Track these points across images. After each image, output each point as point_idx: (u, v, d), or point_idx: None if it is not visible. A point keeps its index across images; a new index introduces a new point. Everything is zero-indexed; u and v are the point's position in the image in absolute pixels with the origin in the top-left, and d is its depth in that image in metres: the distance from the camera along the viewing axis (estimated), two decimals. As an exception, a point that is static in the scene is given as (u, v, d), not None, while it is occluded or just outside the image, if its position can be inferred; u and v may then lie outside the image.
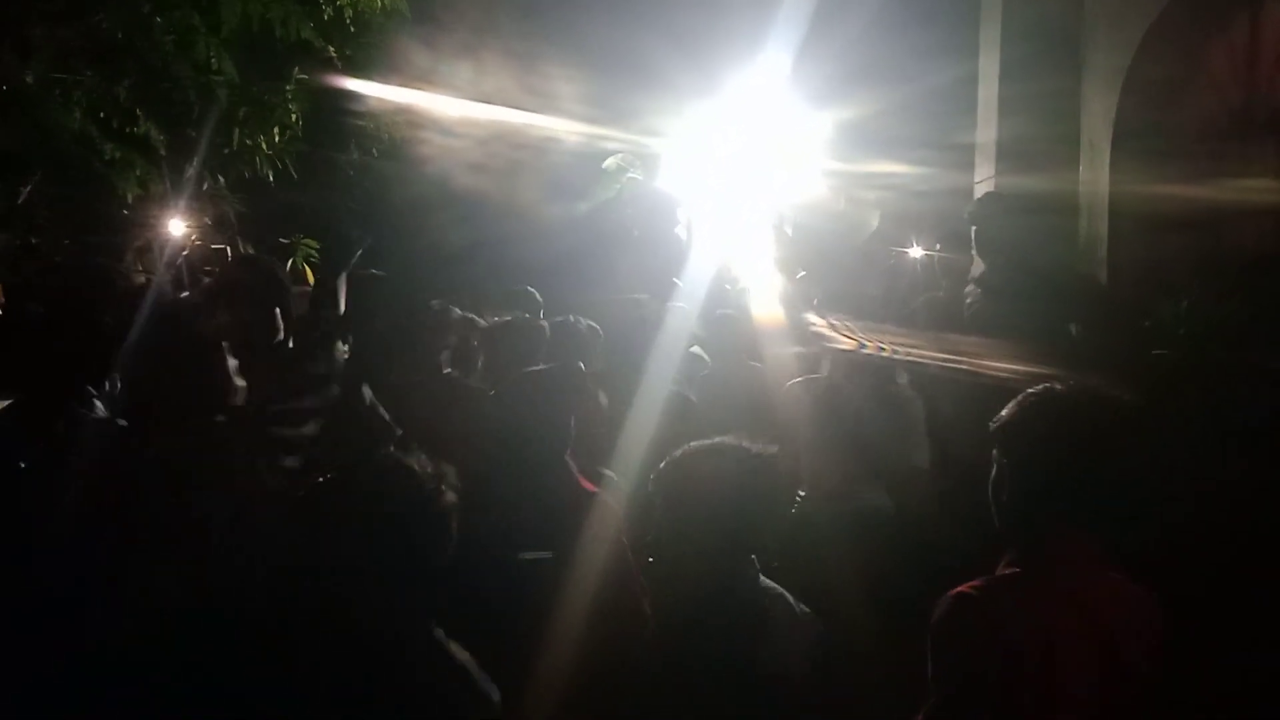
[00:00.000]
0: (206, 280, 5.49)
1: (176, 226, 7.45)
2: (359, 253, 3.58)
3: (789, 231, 6.72)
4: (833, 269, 6.11)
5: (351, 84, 7.65)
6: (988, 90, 6.59)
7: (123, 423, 2.57)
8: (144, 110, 6.97)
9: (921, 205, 6.84)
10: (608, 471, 3.05)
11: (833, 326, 3.50)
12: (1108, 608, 2.01)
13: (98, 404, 2.67)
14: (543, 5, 9.32)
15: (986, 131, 6.56)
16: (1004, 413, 2.16)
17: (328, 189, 8.71)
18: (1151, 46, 5.72)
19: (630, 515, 2.88)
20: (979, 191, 6.31)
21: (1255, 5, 5.40)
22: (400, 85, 7.84)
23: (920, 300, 5.30)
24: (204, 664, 1.87)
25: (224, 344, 2.56)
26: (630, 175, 7.97)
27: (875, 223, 7.11)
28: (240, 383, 2.56)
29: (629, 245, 7.63)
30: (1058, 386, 2.19)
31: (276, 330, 3.38)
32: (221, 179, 7.63)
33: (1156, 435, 2.53)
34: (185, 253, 7.35)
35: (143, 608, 2.05)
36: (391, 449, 2.59)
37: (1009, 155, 6.33)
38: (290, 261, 7.99)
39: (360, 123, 8.22)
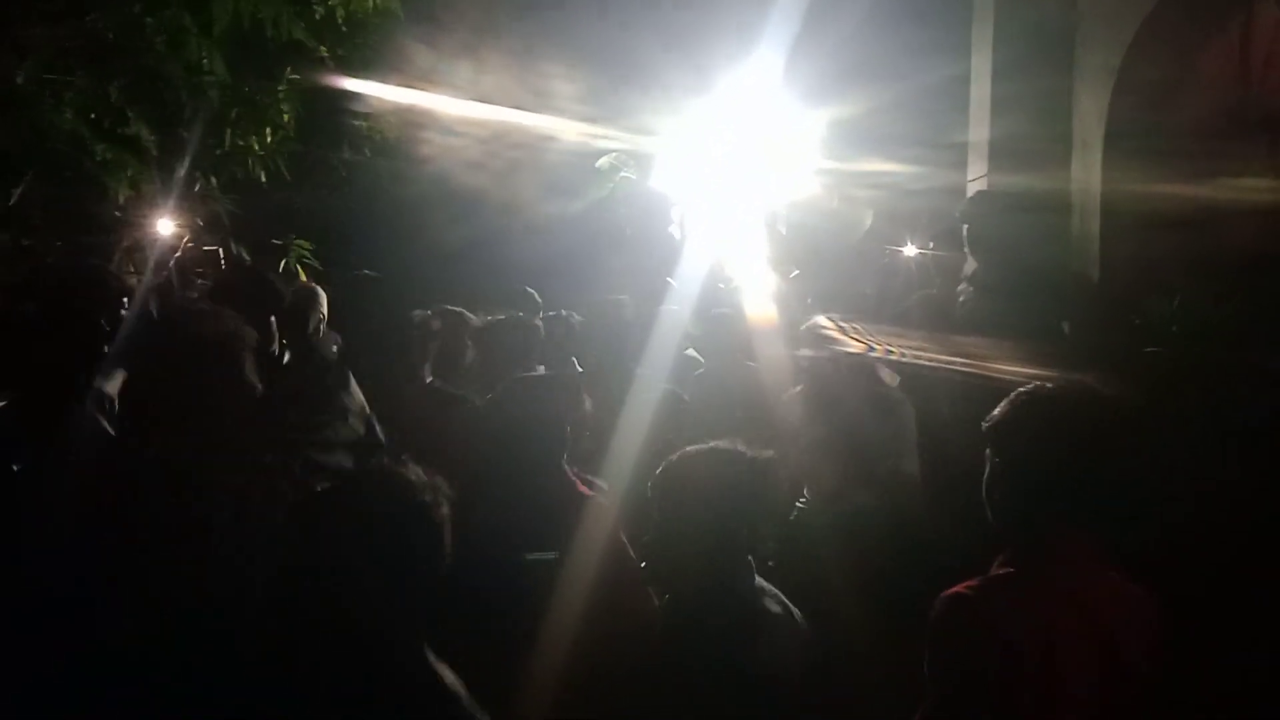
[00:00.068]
0: (200, 283, 5.49)
1: (169, 227, 7.43)
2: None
3: (782, 230, 6.73)
4: (826, 268, 6.13)
5: (344, 84, 7.64)
6: (980, 89, 6.60)
7: (121, 423, 2.56)
8: (135, 110, 6.94)
9: (915, 204, 6.85)
10: (598, 481, 3.05)
11: (841, 329, 3.50)
12: (1107, 607, 2.01)
13: (104, 404, 2.67)
14: (536, 5, 9.32)
15: (979, 130, 6.57)
16: (996, 411, 2.17)
17: (321, 189, 8.70)
18: (1144, 45, 5.73)
19: (626, 516, 2.88)
20: (972, 190, 6.32)
21: (1247, 4, 5.42)
22: (393, 85, 7.83)
23: (914, 298, 5.31)
24: (204, 664, 1.87)
25: (247, 350, 2.55)
26: (624, 175, 7.97)
27: (869, 221, 7.12)
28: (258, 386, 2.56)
29: (623, 244, 7.64)
30: (1048, 384, 2.20)
31: (272, 338, 3.39)
32: (214, 179, 7.60)
33: (1152, 434, 2.54)
34: (178, 254, 7.33)
35: (143, 608, 2.04)
36: (386, 459, 2.61)
37: (1002, 154, 6.33)
38: (284, 262, 7.97)
39: (353, 123, 8.20)
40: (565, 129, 8.23)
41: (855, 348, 3.47)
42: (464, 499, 2.19)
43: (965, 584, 2.03)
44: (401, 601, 1.91)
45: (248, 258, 7.83)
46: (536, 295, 5.80)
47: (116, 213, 7.06)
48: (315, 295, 5.01)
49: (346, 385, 3.10)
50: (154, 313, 2.87)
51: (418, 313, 4.21)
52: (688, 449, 2.45)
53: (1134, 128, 5.85)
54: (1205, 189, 5.32)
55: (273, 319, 3.34)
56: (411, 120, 8.27)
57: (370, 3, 7.40)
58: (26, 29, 6.29)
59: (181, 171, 7.20)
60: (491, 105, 8.28)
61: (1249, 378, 2.84)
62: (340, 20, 7.37)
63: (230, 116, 7.28)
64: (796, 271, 6.12)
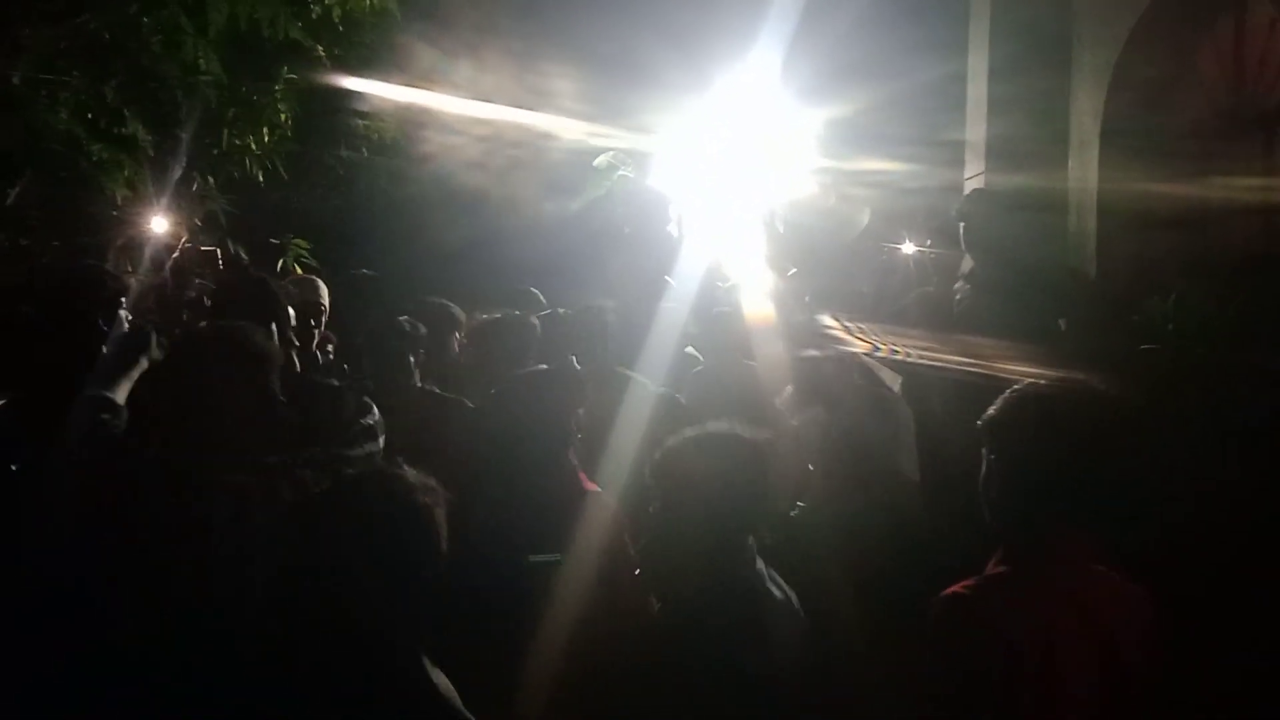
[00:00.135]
0: (198, 282, 5.49)
1: (166, 227, 7.42)
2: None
3: (780, 229, 6.73)
4: (824, 266, 6.13)
5: (341, 83, 7.63)
6: (977, 88, 6.61)
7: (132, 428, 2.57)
8: (131, 111, 6.93)
9: (911, 202, 6.86)
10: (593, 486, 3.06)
11: (845, 329, 3.50)
12: (1107, 607, 2.02)
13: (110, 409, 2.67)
14: (533, 4, 9.31)
15: (976, 129, 6.58)
16: (991, 410, 2.17)
17: (318, 189, 8.70)
18: (1139, 44, 5.75)
19: (625, 517, 2.89)
20: (968, 188, 6.33)
21: (1242, 3, 5.44)
22: (390, 84, 7.82)
23: (912, 296, 5.32)
24: (204, 664, 1.88)
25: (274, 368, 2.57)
26: (621, 173, 7.96)
27: (866, 220, 7.13)
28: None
29: (620, 243, 7.63)
30: (1042, 382, 2.21)
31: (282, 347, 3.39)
32: (211, 179, 7.59)
33: (1149, 433, 2.55)
34: (175, 255, 7.32)
35: (143, 608, 2.05)
36: (382, 461, 2.62)
37: (998, 152, 6.35)
38: (281, 261, 7.96)
39: (350, 122, 8.20)
40: (563, 127, 8.23)
41: (860, 347, 3.47)
42: (465, 498, 2.20)
43: (964, 584, 2.03)
44: (399, 601, 1.92)
45: (245, 257, 7.82)
46: (540, 295, 5.80)
47: (113, 213, 7.05)
48: (316, 287, 5.01)
49: (350, 388, 3.11)
50: (164, 320, 2.89)
51: (403, 319, 4.22)
52: (685, 433, 2.46)
53: (1130, 126, 5.86)
54: (1201, 187, 5.33)
55: (274, 326, 3.33)
56: (409, 119, 8.27)
57: (367, 2, 7.39)
58: (22, 29, 6.28)
59: (178, 171, 7.19)
60: (489, 104, 8.27)
61: (1247, 377, 2.84)
62: (337, 19, 7.36)
63: (227, 116, 7.28)
64: (794, 270, 6.13)
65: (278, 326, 3.37)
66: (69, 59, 6.54)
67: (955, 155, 6.73)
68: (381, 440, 3.23)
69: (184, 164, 7.18)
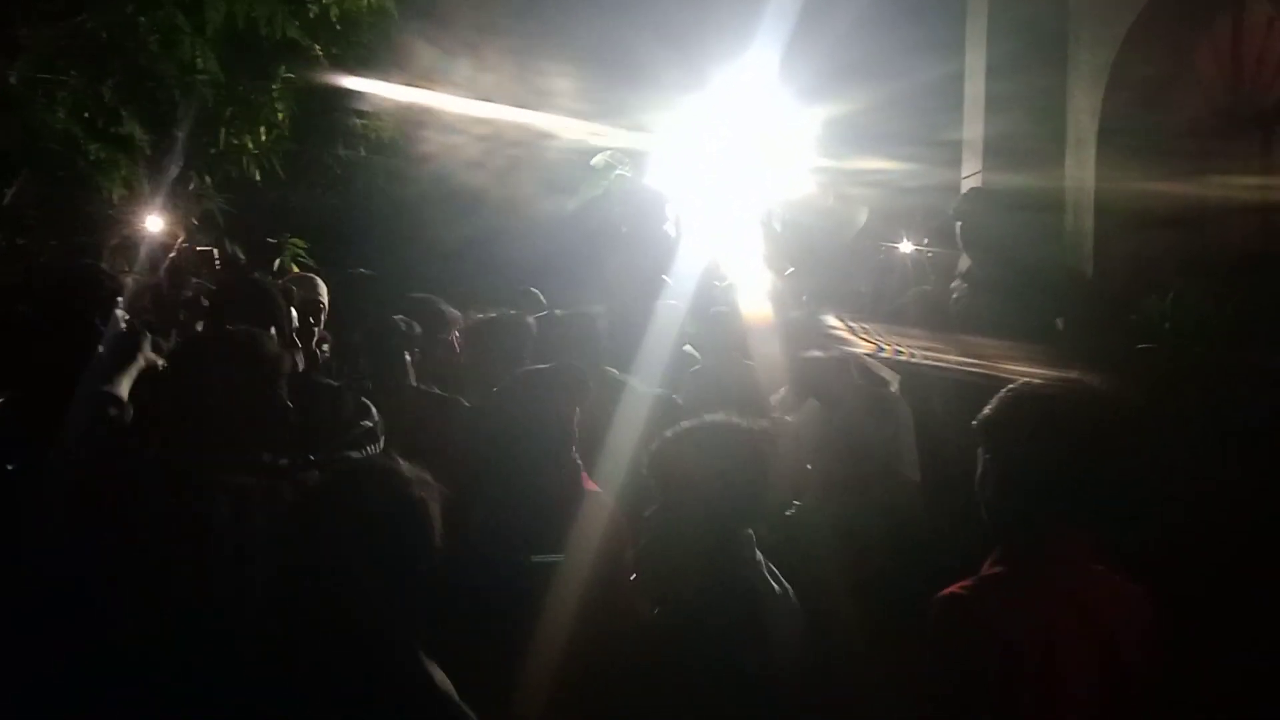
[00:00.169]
0: (194, 282, 5.49)
1: (162, 226, 7.41)
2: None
3: (778, 228, 6.73)
4: (821, 265, 6.13)
5: (338, 82, 7.63)
6: (974, 86, 6.62)
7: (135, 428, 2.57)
8: (129, 110, 6.93)
9: (909, 201, 6.87)
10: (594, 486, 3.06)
11: (850, 329, 3.49)
12: (1106, 607, 2.02)
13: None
14: (530, 3, 9.31)
15: (973, 128, 6.58)
16: (986, 410, 2.17)
17: (316, 188, 8.69)
18: (1136, 43, 5.76)
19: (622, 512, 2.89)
20: (966, 187, 6.33)
21: (1240, 2, 5.44)
22: (387, 83, 7.82)
23: (909, 295, 5.33)
24: (204, 664, 1.88)
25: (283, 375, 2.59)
26: (619, 172, 7.96)
27: (863, 219, 7.13)
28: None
29: (618, 242, 7.63)
30: (1037, 381, 2.21)
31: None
32: (208, 178, 7.59)
33: (1146, 432, 2.55)
34: (172, 255, 7.31)
35: (143, 608, 2.05)
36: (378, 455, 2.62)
37: (996, 151, 6.35)
38: (278, 261, 7.96)
39: (348, 121, 8.19)
40: (560, 126, 8.23)
41: (864, 347, 3.47)
42: (464, 497, 2.20)
43: (963, 584, 2.04)
44: (396, 596, 1.92)
45: (242, 256, 7.82)
46: (540, 295, 5.80)
47: (110, 212, 7.05)
48: (315, 285, 5.02)
49: (349, 387, 3.12)
50: (160, 319, 2.89)
51: (399, 318, 4.23)
52: (682, 424, 2.47)
53: (1127, 125, 5.87)
54: (1198, 186, 5.34)
55: (273, 330, 3.33)
56: (406, 118, 8.26)
57: (364, 1, 7.40)
58: (20, 29, 6.28)
59: (175, 171, 7.19)
60: (487, 103, 8.26)
61: (1245, 376, 2.85)
62: (334, 19, 7.37)
63: (224, 115, 7.28)
64: (792, 269, 6.13)
65: (277, 328, 3.37)
66: (66, 59, 6.54)
67: (953, 154, 6.74)
68: (382, 442, 3.23)
69: (181, 163, 7.18)
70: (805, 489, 3.05)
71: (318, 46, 7.45)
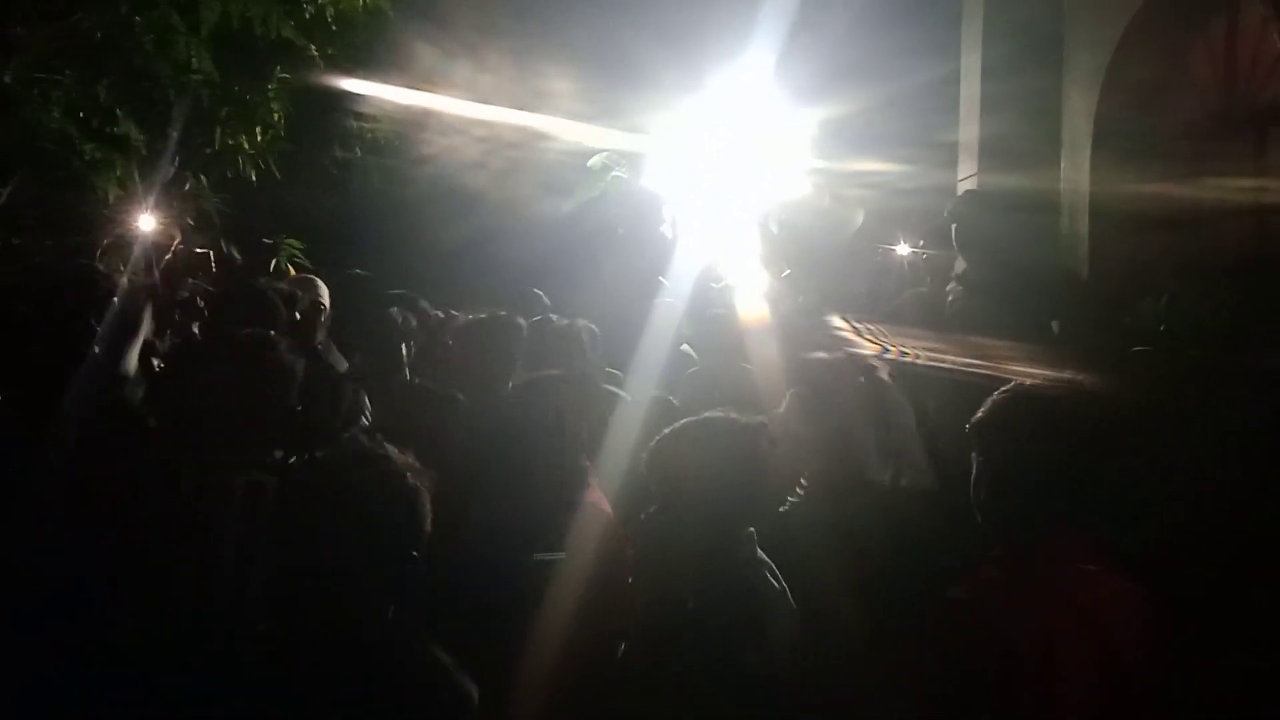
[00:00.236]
0: (191, 283, 5.48)
1: (158, 227, 7.38)
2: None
3: (774, 229, 6.74)
4: (818, 266, 6.13)
5: (334, 82, 7.61)
6: (970, 88, 6.63)
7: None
8: (124, 110, 6.91)
9: (905, 203, 6.88)
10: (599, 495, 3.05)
11: (855, 331, 3.49)
12: (1106, 607, 2.03)
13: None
14: (527, 4, 9.30)
15: (969, 129, 6.60)
16: (979, 412, 2.18)
17: (312, 188, 8.67)
18: (1131, 45, 5.77)
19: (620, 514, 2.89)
20: (962, 189, 6.35)
21: (1234, 4, 5.46)
22: (383, 83, 7.81)
23: (905, 296, 5.34)
24: (203, 664, 1.87)
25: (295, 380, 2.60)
26: (615, 174, 7.96)
27: (860, 220, 7.14)
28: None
29: (614, 244, 7.63)
30: (1028, 383, 2.22)
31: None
32: (204, 178, 7.57)
33: (1140, 433, 2.56)
34: (168, 257, 7.29)
35: (143, 608, 2.05)
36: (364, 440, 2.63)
37: (991, 153, 6.37)
38: (274, 261, 7.94)
39: (344, 121, 8.18)
40: (557, 128, 8.23)
41: (870, 349, 3.46)
42: (462, 496, 2.20)
43: (963, 585, 2.04)
44: (389, 583, 1.91)
45: (238, 257, 7.80)
46: (543, 297, 5.80)
47: (105, 212, 7.02)
48: (316, 287, 5.01)
49: (349, 375, 3.12)
50: (156, 321, 2.89)
51: (394, 310, 4.23)
52: (679, 422, 2.47)
53: (1122, 127, 5.89)
54: (1193, 188, 5.35)
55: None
56: (403, 119, 8.25)
57: (360, 2, 7.38)
58: (15, 28, 6.26)
59: (171, 171, 7.17)
60: (483, 104, 8.26)
61: (1239, 378, 2.86)
62: (330, 19, 7.35)
63: (220, 115, 7.26)
64: (788, 270, 6.13)
65: (276, 332, 3.38)
66: (61, 58, 6.52)
67: (949, 156, 6.75)
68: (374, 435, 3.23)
69: (176, 163, 7.16)
70: (803, 487, 3.05)
71: (313, 47, 7.43)
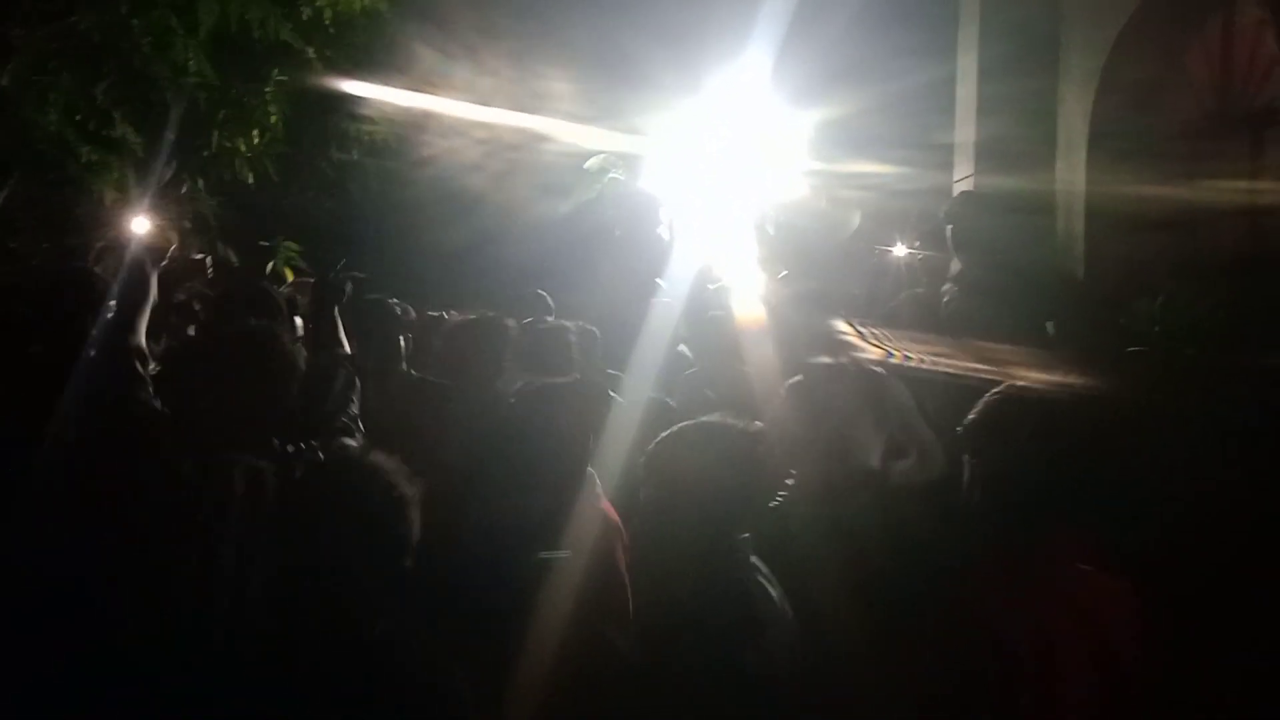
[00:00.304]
0: (187, 290, 5.48)
1: (156, 229, 7.38)
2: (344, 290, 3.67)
3: (771, 231, 6.75)
4: (815, 268, 6.14)
5: (332, 85, 7.62)
6: (966, 90, 6.65)
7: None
8: (121, 112, 6.91)
9: (902, 204, 6.89)
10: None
11: (860, 334, 3.49)
12: (1105, 608, 2.03)
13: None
14: (524, 6, 9.31)
15: (965, 131, 6.62)
16: (971, 414, 2.18)
17: (309, 190, 8.67)
18: (1127, 46, 5.79)
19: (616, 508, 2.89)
20: (958, 190, 6.36)
21: (1229, 4, 5.47)
22: (381, 86, 7.81)
23: (902, 297, 5.34)
24: (203, 663, 1.88)
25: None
26: (612, 176, 7.97)
27: (856, 222, 7.15)
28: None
29: (611, 246, 7.64)
30: (1018, 384, 2.22)
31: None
32: (201, 181, 7.57)
33: (1134, 433, 2.57)
34: (164, 263, 7.27)
35: (143, 607, 2.05)
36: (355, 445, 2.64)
37: (987, 155, 6.39)
38: (271, 264, 7.95)
39: (341, 124, 8.18)
40: (554, 129, 8.24)
41: (874, 354, 3.46)
42: (460, 496, 2.20)
43: (963, 585, 2.05)
44: (377, 580, 1.92)
45: (235, 260, 7.80)
46: (548, 298, 5.80)
47: (102, 215, 7.02)
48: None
49: (352, 386, 3.12)
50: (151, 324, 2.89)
51: (394, 302, 4.23)
52: (677, 425, 2.48)
53: (1118, 128, 5.90)
54: (1189, 189, 5.37)
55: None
56: (399, 121, 8.26)
57: (358, 4, 7.39)
58: (12, 30, 6.26)
59: (168, 174, 7.17)
60: (480, 106, 8.27)
61: (1235, 376, 2.86)
62: (328, 21, 7.35)
63: (217, 118, 7.26)
64: (785, 272, 6.14)
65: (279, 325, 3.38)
66: (59, 60, 6.52)
67: (945, 158, 6.77)
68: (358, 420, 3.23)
69: (174, 166, 7.15)
70: (798, 484, 3.05)
71: (311, 49, 7.43)
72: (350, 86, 7.70)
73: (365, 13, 7.47)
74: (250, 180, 7.64)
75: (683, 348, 5.04)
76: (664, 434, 2.48)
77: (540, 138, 8.39)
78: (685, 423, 2.50)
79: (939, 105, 6.86)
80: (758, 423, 2.53)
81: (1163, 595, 2.08)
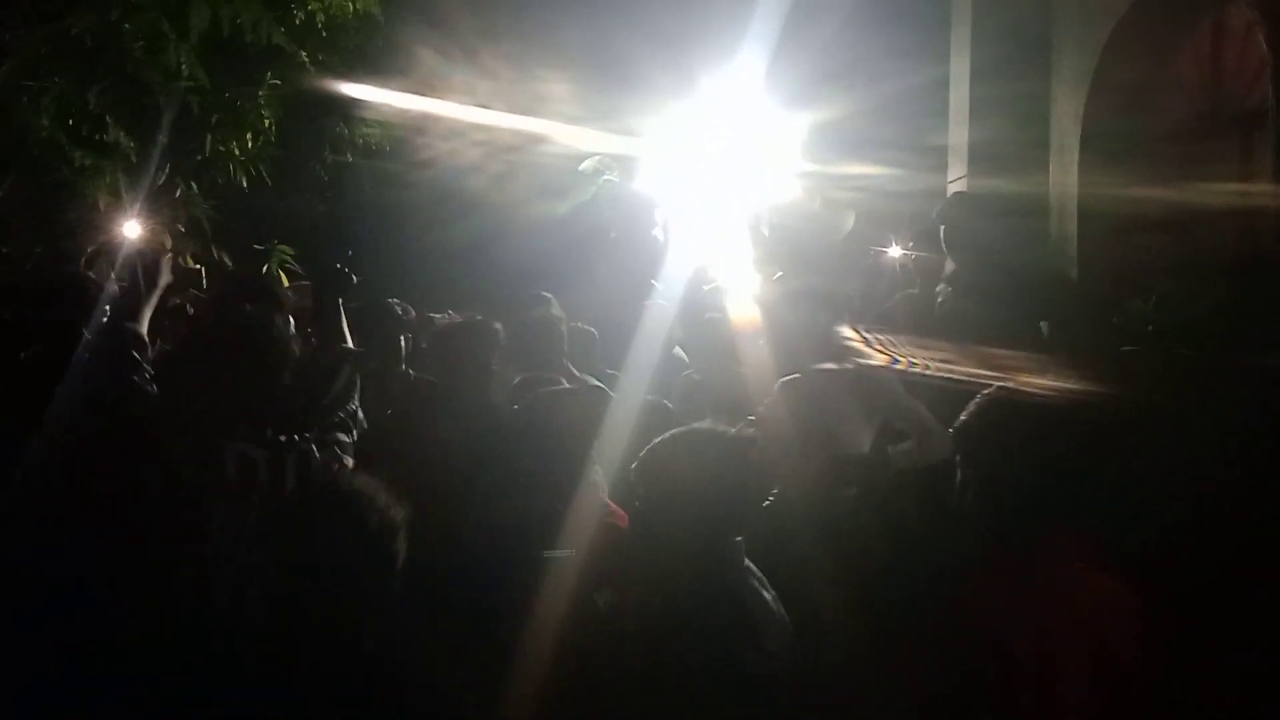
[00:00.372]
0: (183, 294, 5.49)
1: (149, 233, 7.37)
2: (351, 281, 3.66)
3: (765, 232, 6.76)
4: (809, 269, 6.15)
5: (325, 88, 7.61)
6: (959, 92, 6.68)
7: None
8: (114, 116, 6.90)
9: (896, 206, 6.92)
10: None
11: (865, 340, 3.48)
12: (1104, 608, 2.04)
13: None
14: (517, 8, 9.32)
15: (958, 133, 6.64)
16: (963, 416, 2.19)
17: (303, 194, 8.66)
18: (1118, 48, 5.82)
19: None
20: (951, 192, 6.38)
21: (1220, 6, 5.50)
22: (374, 88, 7.81)
23: (896, 299, 5.36)
24: (204, 663, 1.88)
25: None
26: (607, 177, 7.98)
27: (850, 223, 7.17)
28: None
29: (606, 247, 7.65)
30: (1009, 385, 2.23)
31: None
32: (194, 185, 7.55)
33: (1130, 433, 2.57)
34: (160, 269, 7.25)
35: (143, 608, 2.05)
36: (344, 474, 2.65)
37: (980, 157, 6.41)
38: (265, 267, 7.93)
39: (334, 127, 8.17)
40: (548, 131, 8.24)
41: (879, 360, 3.45)
42: (459, 497, 2.20)
43: (963, 586, 2.05)
44: (371, 596, 1.92)
45: (229, 263, 7.79)
46: (553, 299, 5.80)
47: (95, 219, 7.01)
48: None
49: (354, 383, 3.12)
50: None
51: (394, 302, 4.23)
52: (670, 432, 2.48)
53: (1110, 129, 5.93)
54: (1181, 190, 5.40)
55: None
56: (393, 123, 8.25)
57: (350, 7, 7.38)
58: (4, 33, 6.24)
59: (161, 178, 7.15)
60: (474, 108, 8.27)
61: (1231, 376, 2.87)
62: (320, 24, 7.35)
63: (211, 122, 7.24)
64: (780, 273, 6.15)
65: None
66: (51, 64, 6.50)
67: (938, 159, 6.80)
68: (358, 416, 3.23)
69: (167, 170, 7.14)
70: (790, 483, 3.05)
71: (304, 52, 7.42)
72: (343, 90, 7.69)
73: (358, 15, 7.46)
74: (244, 184, 7.63)
75: (678, 350, 5.04)
76: (655, 441, 2.48)
77: (535, 140, 8.40)
78: (676, 430, 2.50)
79: (932, 107, 6.89)
80: (749, 428, 2.53)
81: (1162, 595, 2.08)
